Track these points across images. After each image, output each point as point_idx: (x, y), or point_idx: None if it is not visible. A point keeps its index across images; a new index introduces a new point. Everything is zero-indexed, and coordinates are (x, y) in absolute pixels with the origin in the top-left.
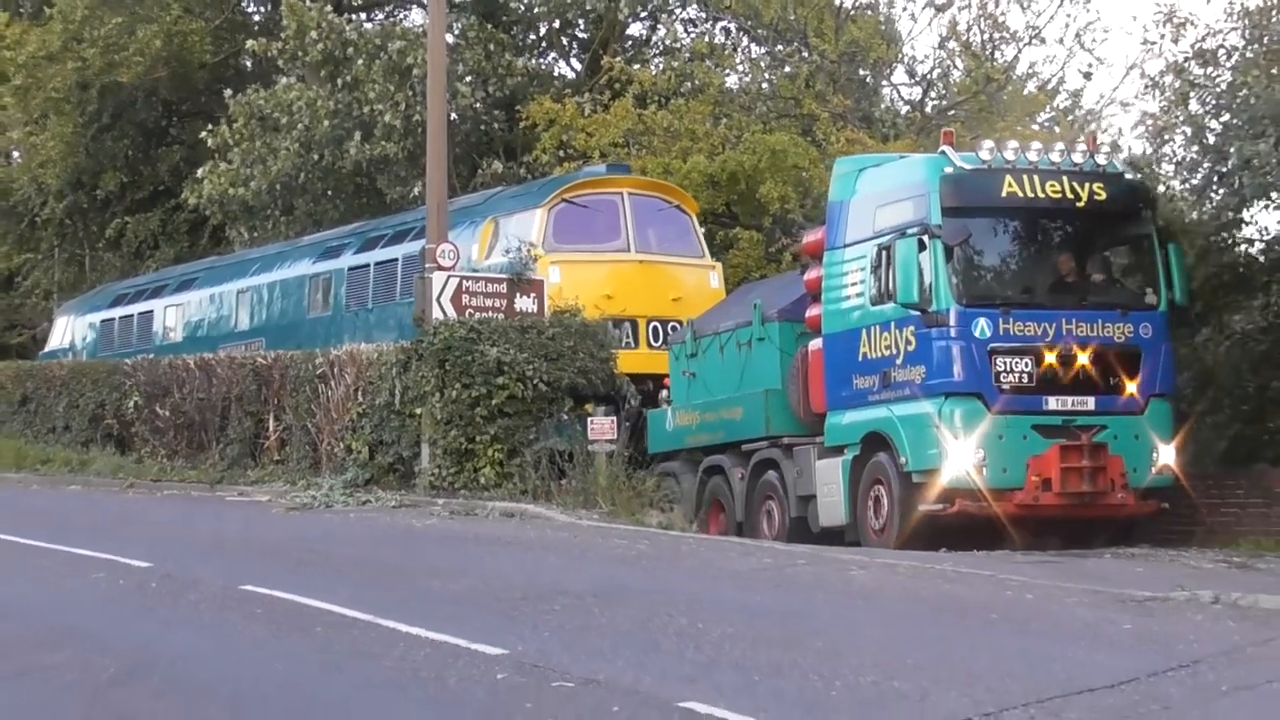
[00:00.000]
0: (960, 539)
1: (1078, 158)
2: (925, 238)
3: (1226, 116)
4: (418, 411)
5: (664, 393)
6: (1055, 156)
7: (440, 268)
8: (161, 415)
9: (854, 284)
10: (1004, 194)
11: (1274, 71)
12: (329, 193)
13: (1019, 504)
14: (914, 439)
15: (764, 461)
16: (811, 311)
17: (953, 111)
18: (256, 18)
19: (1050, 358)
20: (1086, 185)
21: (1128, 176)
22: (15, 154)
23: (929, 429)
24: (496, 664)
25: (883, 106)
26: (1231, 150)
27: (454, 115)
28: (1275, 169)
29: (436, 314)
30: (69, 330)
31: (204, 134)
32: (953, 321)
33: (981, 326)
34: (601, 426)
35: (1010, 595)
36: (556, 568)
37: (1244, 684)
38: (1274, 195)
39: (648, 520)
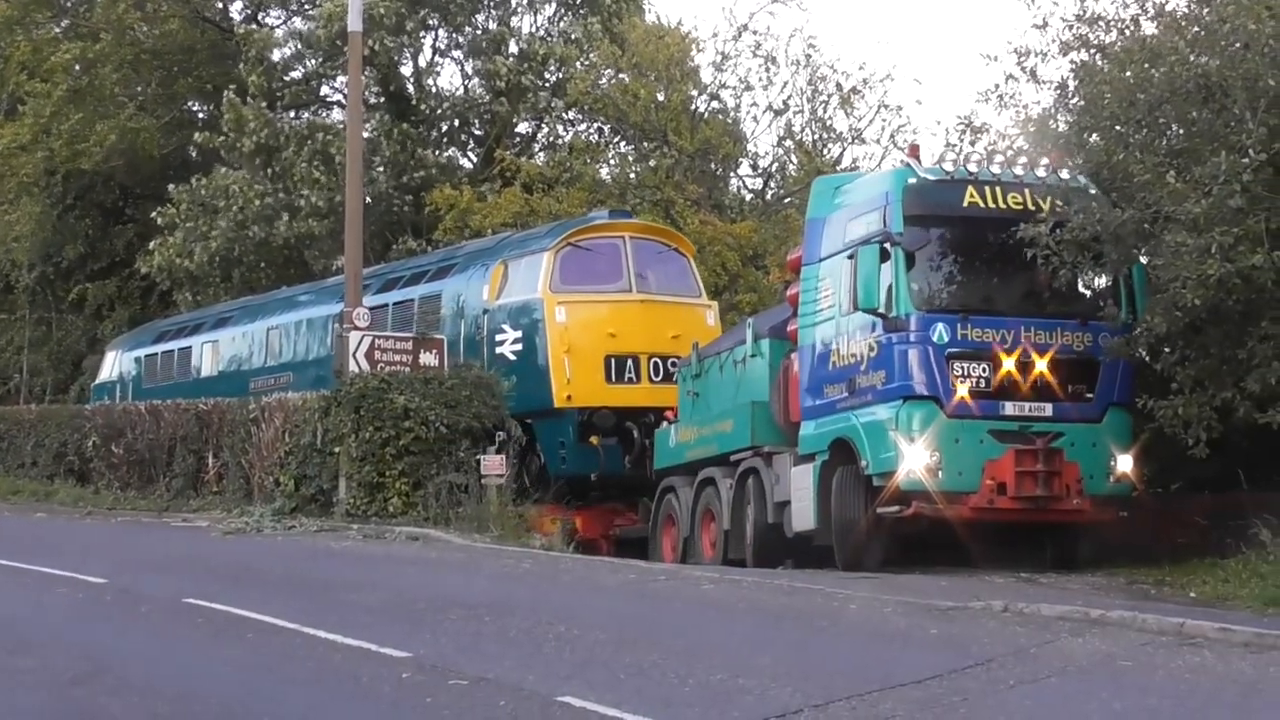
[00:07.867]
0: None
1: (1041, 172)
2: (887, 245)
3: None
4: (336, 450)
5: (664, 424)
6: (1019, 170)
7: (356, 328)
8: (116, 453)
9: (827, 295)
10: (965, 204)
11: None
12: (262, 264)
13: (973, 507)
14: (874, 443)
15: (748, 471)
16: (792, 325)
17: (789, 199)
18: (201, 115)
19: (1008, 363)
20: (1049, 198)
21: (1091, 191)
22: None
23: (887, 433)
24: (401, 665)
25: (730, 194)
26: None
27: (369, 199)
28: (1053, 245)
29: (353, 367)
30: (116, 364)
31: (154, 214)
32: (912, 327)
33: (940, 331)
34: (492, 463)
35: (837, 606)
36: (454, 583)
37: (1029, 678)
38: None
39: (532, 543)
